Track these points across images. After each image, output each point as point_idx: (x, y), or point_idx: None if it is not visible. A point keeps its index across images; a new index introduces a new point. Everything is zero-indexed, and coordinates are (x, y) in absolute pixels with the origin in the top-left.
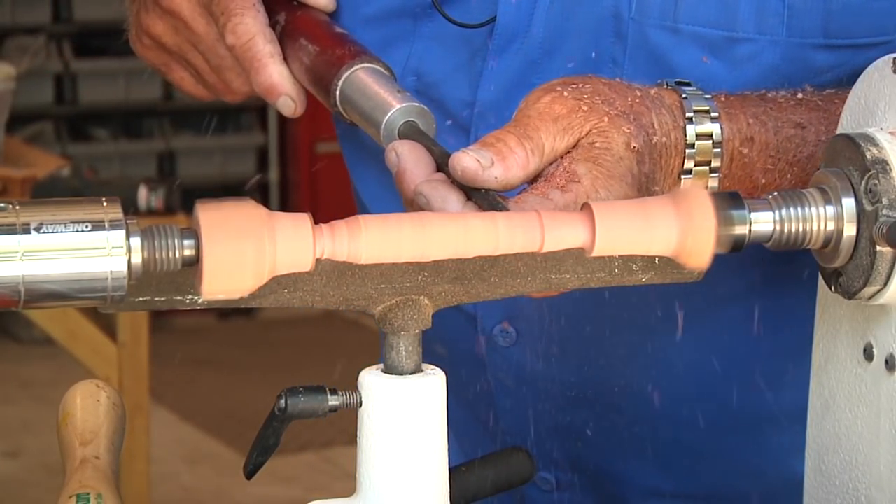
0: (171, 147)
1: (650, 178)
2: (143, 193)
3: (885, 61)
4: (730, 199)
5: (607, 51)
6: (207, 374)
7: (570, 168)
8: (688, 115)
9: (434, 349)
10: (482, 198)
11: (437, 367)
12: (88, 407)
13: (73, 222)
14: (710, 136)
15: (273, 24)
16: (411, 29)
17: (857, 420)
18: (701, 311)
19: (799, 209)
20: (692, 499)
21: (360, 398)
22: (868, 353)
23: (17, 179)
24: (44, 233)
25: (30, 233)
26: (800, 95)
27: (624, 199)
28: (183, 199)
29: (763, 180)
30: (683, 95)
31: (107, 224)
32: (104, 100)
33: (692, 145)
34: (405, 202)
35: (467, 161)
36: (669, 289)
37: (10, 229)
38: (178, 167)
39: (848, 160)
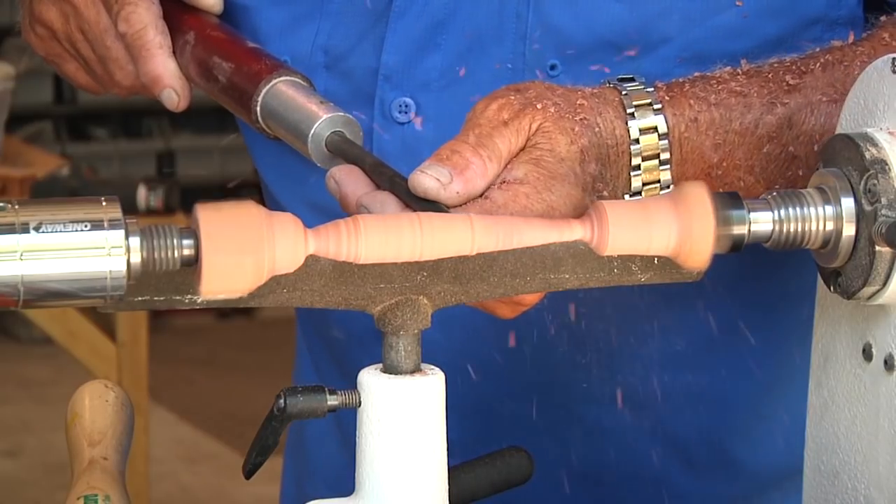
0: (171, 147)
1: (598, 177)
2: (142, 193)
3: (884, 61)
4: (729, 199)
5: (511, 6)
6: (206, 373)
7: (511, 169)
8: (629, 110)
9: (332, 333)
10: (429, 208)
11: (337, 349)
12: (97, 407)
13: (73, 222)
14: (654, 129)
15: (182, 45)
16: (318, 5)
17: (855, 420)
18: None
19: (798, 209)
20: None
21: (360, 398)
22: (867, 353)
23: (16, 179)
24: (43, 232)
25: (29, 232)
26: (737, 68)
27: (568, 199)
28: (182, 199)
29: (715, 157)
30: (623, 92)
31: (106, 224)
32: (103, 99)
33: (636, 141)
34: None
35: (428, 182)
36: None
37: (9, 229)
38: (177, 167)
39: (847, 160)
